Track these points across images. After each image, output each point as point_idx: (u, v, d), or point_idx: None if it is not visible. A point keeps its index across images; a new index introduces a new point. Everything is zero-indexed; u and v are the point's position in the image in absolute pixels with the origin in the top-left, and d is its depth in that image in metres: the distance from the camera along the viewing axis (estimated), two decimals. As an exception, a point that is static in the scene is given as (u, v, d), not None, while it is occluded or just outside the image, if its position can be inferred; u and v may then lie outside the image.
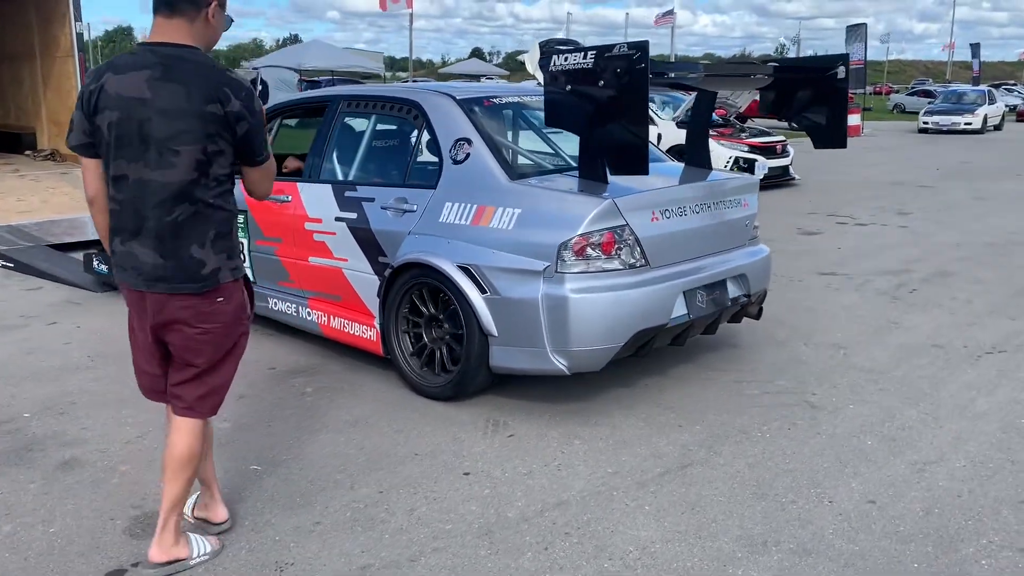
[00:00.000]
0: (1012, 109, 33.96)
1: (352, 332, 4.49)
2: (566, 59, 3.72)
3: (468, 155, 4.08)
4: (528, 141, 4.75)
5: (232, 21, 2.68)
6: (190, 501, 2.95)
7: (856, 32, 29.40)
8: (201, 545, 2.78)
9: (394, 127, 4.92)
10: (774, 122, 13.36)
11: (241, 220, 4.83)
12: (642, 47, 3.47)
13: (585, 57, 3.64)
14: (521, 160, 4.37)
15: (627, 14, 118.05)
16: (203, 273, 2.53)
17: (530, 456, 3.53)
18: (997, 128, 27.46)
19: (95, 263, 6.21)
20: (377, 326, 4.32)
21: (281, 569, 2.72)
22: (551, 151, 4.71)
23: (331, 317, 4.60)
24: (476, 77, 39.55)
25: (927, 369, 4.56)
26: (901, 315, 5.68)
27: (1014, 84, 53.32)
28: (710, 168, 4.79)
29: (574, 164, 4.21)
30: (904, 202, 11.25)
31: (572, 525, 2.99)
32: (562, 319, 3.66)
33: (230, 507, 3.00)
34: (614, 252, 3.76)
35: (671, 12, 48.99)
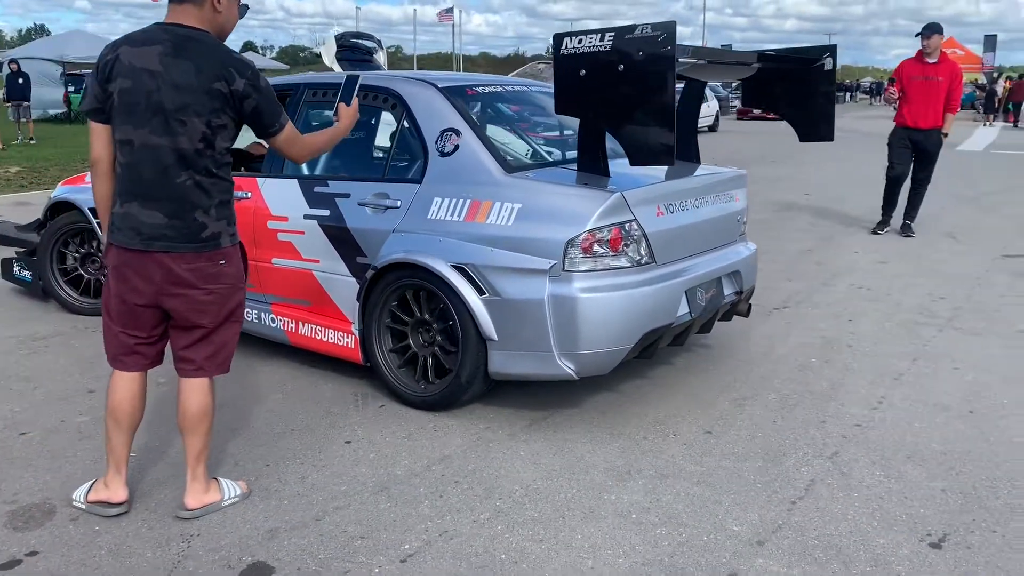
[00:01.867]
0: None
1: (325, 340, 4.14)
2: (580, 42, 3.45)
3: (457, 147, 3.81)
4: (515, 132, 4.45)
5: (247, 8, 2.89)
6: (84, 488, 2.93)
7: None
8: (231, 488, 3.01)
9: (369, 118, 4.54)
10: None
11: None
12: (669, 28, 3.24)
13: (602, 39, 3.38)
14: (514, 151, 4.11)
15: (415, 10, 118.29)
16: (203, 236, 2.71)
17: (405, 422, 3.73)
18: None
19: (16, 269, 5.70)
20: (356, 332, 3.99)
21: (188, 540, 2.78)
22: (541, 143, 4.49)
23: (299, 324, 4.24)
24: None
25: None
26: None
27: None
28: (699, 162, 4.54)
29: (567, 156, 4.09)
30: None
31: (459, 474, 3.25)
32: (570, 321, 3.44)
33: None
34: (622, 249, 3.53)
35: (451, 10, 49.94)
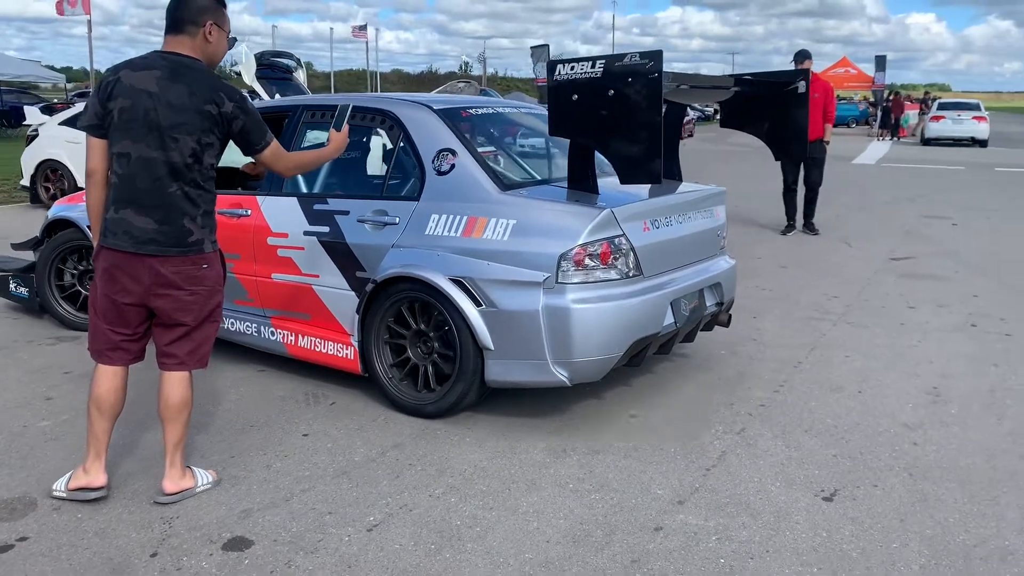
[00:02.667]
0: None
1: (325, 351, 4.28)
2: (572, 68, 3.69)
3: (453, 166, 3.98)
4: (508, 152, 4.66)
5: (236, 40, 3.17)
6: (63, 479, 3.16)
7: (540, 52, 32.21)
8: (203, 476, 3.29)
9: (367, 139, 4.81)
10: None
11: None
12: (655, 56, 3.48)
13: (593, 67, 3.62)
14: (507, 170, 4.28)
15: (331, 28, 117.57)
16: (189, 241, 3.03)
17: (357, 416, 4.04)
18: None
19: (12, 286, 5.75)
20: (355, 344, 4.14)
21: (169, 523, 3.03)
22: (534, 162, 4.69)
23: (299, 336, 4.39)
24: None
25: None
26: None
27: None
28: (681, 180, 4.76)
29: (559, 176, 4.28)
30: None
31: (413, 458, 3.59)
32: (564, 330, 3.60)
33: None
34: (611, 262, 3.72)
35: (364, 27, 50.03)
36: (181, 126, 2.94)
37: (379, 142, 4.73)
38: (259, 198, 4.53)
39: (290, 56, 16.71)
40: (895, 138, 30.17)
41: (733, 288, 4.72)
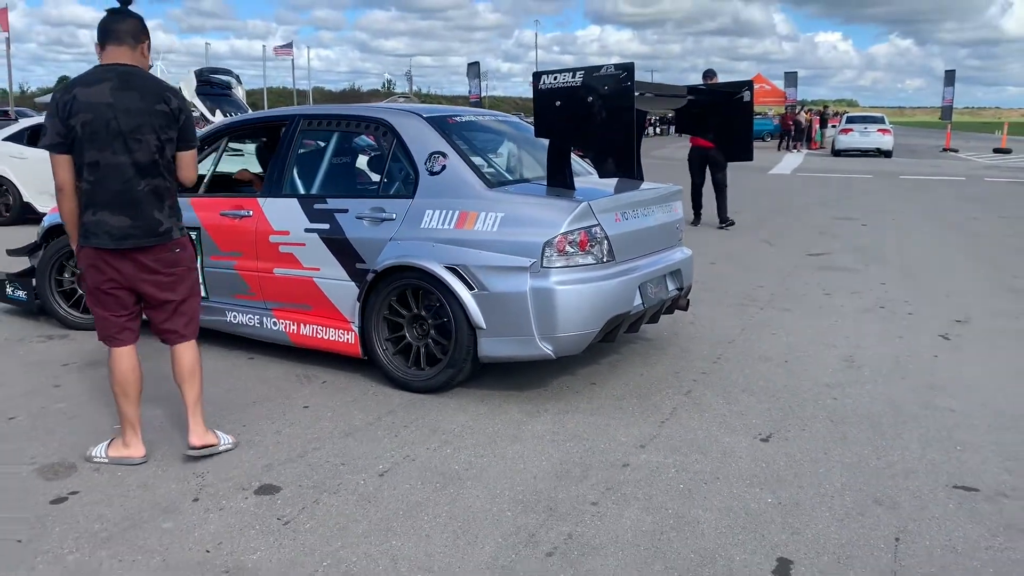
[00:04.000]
0: None
1: (327, 338, 4.66)
2: (555, 79, 4.21)
3: (444, 167, 4.41)
4: (489, 154, 5.04)
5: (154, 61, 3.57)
6: (101, 445, 3.54)
7: (474, 69, 32.97)
8: (224, 438, 3.71)
9: (360, 144, 5.25)
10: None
11: (193, 236, 4.91)
12: (628, 68, 3.99)
13: (574, 76, 4.15)
14: (491, 170, 4.68)
15: (263, 46, 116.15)
16: (160, 230, 3.42)
17: (348, 391, 4.48)
18: None
19: (9, 290, 5.95)
20: (356, 329, 4.52)
21: (201, 476, 3.45)
22: (511, 163, 5.12)
23: (300, 325, 4.75)
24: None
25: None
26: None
27: None
28: (642, 179, 5.12)
29: (533, 175, 4.77)
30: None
31: (407, 421, 4.07)
32: (549, 309, 4.05)
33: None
34: (588, 248, 4.18)
35: (289, 45, 50.02)
36: (140, 128, 3.30)
37: (375, 148, 5.13)
38: (260, 200, 4.92)
39: (228, 72, 16.95)
40: (804, 149, 32.17)
41: (691, 275, 5.25)
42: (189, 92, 15.74)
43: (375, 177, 4.99)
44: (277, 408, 4.24)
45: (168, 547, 2.89)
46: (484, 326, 4.17)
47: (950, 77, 33.07)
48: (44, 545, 2.90)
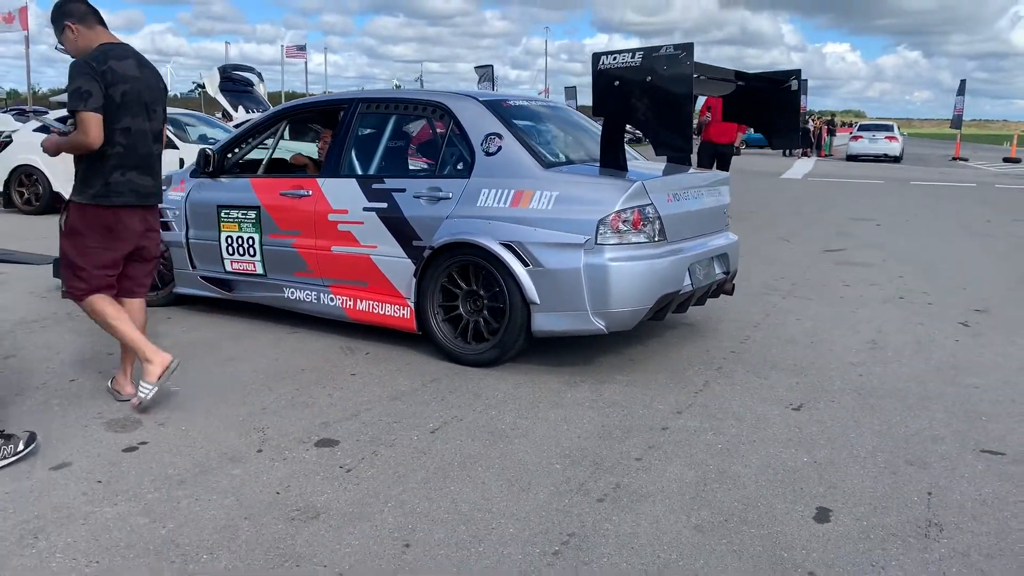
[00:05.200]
0: None
1: (383, 313, 4.81)
2: (614, 59, 4.36)
3: (500, 148, 4.55)
4: (542, 137, 5.13)
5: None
6: (143, 385, 3.79)
7: (484, 72, 33.19)
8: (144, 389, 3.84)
9: (419, 126, 5.43)
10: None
11: (253, 216, 5.21)
12: (687, 48, 4.12)
13: (633, 57, 4.30)
14: (546, 151, 4.78)
15: (282, 46, 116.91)
16: (160, 191, 3.98)
17: (392, 362, 4.65)
18: None
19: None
20: (411, 305, 4.67)
21: (262, 431, 3.63)
22: (563, 147, 5.18)
23: (356, 301, 4.91)
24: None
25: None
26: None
27: None
28: (690, 165, 5.30)
29: (584, 159, 4.88)
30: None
31: (450, 388, 4.25)
32: (602, 284, 4.18)
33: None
34: (641, 227, 4.30)
35: (303, 48, 50.36)
36: (156, 101, 3.84)
37: (432, 129, 5.30)
38: (319, 180, 5.09)
39: (251, 70, 17.20)
40: (813, 155, 32.53)
41: (736, 260, 5.34)
42: (213, 88, 16.09)
43: (432, 158, 5.10)
44: (326, 375, 4.41)
45: (240, 489, 3.06)
46: (538, 301, 4.29)
47: (962, 87, 33.17)
48: (123, 486, 3.07)
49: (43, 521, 2.80)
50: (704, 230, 4.96)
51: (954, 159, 32.59)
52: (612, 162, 4.58)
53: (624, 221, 4.26)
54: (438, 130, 5.06)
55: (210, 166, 5.45)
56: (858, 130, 32.71)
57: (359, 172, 5.06)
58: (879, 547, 2.73)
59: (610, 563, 2.62)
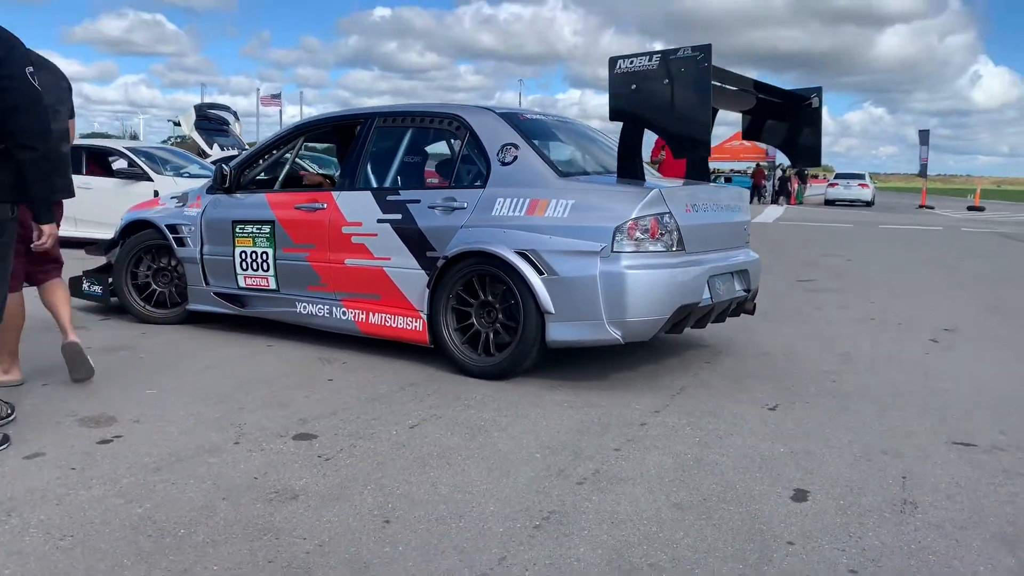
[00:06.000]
0: None
1: (395, 326, 4.75)
2: (631, 63, 4.28)
3: (516, 157, 4.52)
4: (558, 149, 5.10)
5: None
6: None
7: None
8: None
9: (434, 139, 5.38)
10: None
11: (267, 230, 5.19)
12: (705, 49, 4.03)
13: (651, 60, 4.23)
14: (562, 161, 4.78)
15: (258, 89, 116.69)
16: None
17: (370, 370, 4.63)
18: None
19: (85, 285, 6.04)
20: (424, 316, 4.60)
21: (239, 427, 3.59)
22: (579, 159, 5.18)
23: (369, 314, 4.85)
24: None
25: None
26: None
27: None
28: (709, 180, 5.25)
29: (602, 169, 4.89)
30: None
31: (429, 390, 4.27)
32: (619, 293, 4.08)
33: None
34: (658, 235, 4.23)
35: (278, 96, 50.74)
36: (61, 101, 4.03)
37: (447, 141, 5.33)
38: (334, 193, 5.09)
39: (227, 108, 17.38)
40: (784, 204, 33.23)
41: (758, 278, 5.20)
42: (188, 126, 16.23)
43: (447, 169, 5.09)
44: (303, 382, 4.39)
45: (217, 475, 3.03)
46: (552, 311, 4.21)
47: (924, 136, 34.08)
48: (98, 472, 3.03)
49: (16, 502, 2.76)
50: (724, 244, 4.87)
51: (920, 207, 33.31)
52: (629, 171, 4.52)
53: (641, 229, 4.20)
54: (454, 142, 5.05)
55: (226, 182, 5.44)
56: (835, 178, 37.74)
57: (374, 184, 5.06)
58: (856, 521, 2.76)
59: (591, 535, 2.62)
